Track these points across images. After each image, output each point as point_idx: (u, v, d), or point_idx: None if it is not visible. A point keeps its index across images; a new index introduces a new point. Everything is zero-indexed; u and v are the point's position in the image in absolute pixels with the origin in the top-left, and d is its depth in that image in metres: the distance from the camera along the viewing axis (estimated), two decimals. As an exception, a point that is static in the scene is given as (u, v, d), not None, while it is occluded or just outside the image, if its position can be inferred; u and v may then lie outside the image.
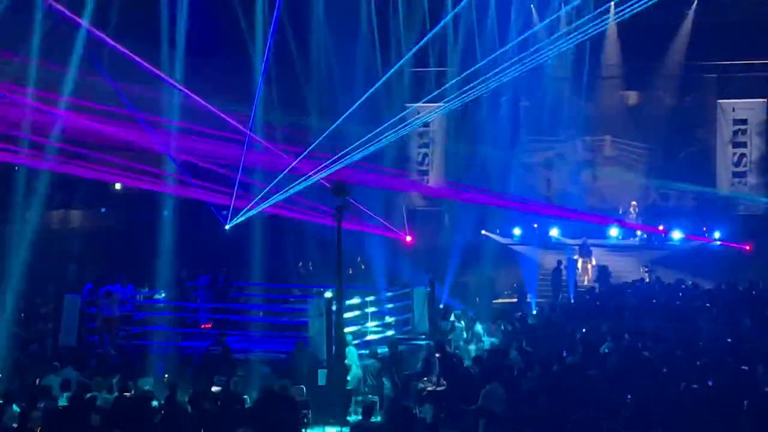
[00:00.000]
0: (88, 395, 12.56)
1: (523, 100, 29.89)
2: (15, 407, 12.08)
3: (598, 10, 23.20)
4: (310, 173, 21.39)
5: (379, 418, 13.19)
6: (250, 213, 21.82)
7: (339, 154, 21.47)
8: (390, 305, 19.36)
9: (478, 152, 29.09)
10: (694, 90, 29.28)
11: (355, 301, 18.56)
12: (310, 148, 22.40)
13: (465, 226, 27.33)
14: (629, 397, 12.24)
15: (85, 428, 11.67)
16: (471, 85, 22.96)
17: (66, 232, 25.95)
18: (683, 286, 22.80)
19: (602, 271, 26.02)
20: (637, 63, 29.35)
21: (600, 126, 30.33)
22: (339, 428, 14.19)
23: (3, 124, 18.99)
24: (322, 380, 15.10)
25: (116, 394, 12.97)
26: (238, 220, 22.12)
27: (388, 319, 19.23)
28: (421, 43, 25.23)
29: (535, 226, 29.12)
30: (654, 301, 20.99)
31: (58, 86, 19.91)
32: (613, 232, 28.82)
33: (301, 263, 26.66)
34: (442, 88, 25.72)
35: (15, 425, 11.67)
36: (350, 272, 23.79)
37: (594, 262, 26.86)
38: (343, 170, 21.29)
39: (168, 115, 22.39)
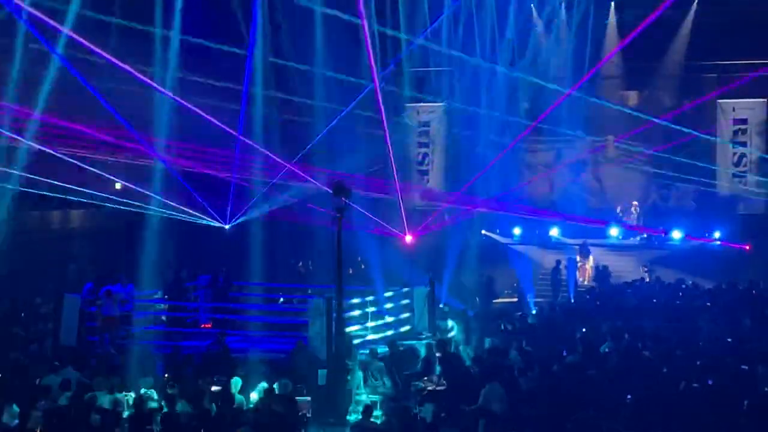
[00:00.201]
0: (88, 395, 12.57)
1: (523, 101, 29.89)
2: (15, 407, 12.07)
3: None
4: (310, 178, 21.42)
5: (379, 418, 13.21)
6: (250, 215, 21.84)
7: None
8: (390, 305, 19.37)
9: (478, 152, 29.09)
10: (694, 90, 29.28)
11: (356, 300, 18.57)
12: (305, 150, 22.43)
13: (465, 226, 27.34)
14: (629, 397, 12.24)
15: (85, 428, 11.67)
16: (471, 85, 22.99)
17: (66, 232, 25.98)
18: (683, 286, 22.79)
19: (601, 271, 26.02)
20: (637, 63, 29.36)
21: (600, 126, 30.33)
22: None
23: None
24: (322, 380, 15.11)
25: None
26: (238, 221, 22.14)
27: (388, 319, 19.24)
28: (422, 44, 25.26)
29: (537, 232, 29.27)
30: (654, 301, 20.98)
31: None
32: (613, 231, 28.83)
33: (301, 263, 26.66)
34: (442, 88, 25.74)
35: (15, 425, 11.67)
36: (350, 272, 23.78)
37: (592, 263, 26.87)
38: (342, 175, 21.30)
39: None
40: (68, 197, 23.94)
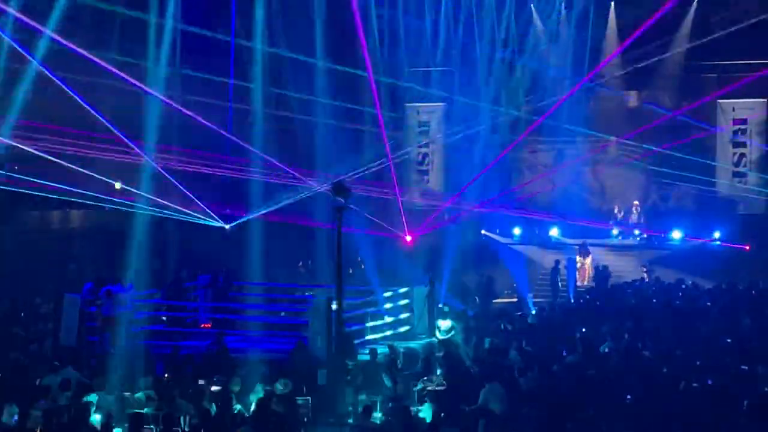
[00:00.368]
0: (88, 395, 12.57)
1: (523, 101, 29.89)
2: (15, 407, 12.06)
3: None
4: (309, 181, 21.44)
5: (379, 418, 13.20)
6: (250, 215, 21.84)
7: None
8: (389, 305, 19.36)
9: (478, 152, 29.09)
10: (694, 90, 29.28)
11: (355, 300, 18.56)
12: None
13: (465, 226, 27.33)
14: (629, 397, 12.24)
15: (85, 428, 11.67)
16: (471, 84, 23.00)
17: (66, 232, 25.96)
18: (683, 286, 22.78)
19: (601, 271, 26.01)
20: (637, 63, 29.36)
21: (600, 126, 30.32)
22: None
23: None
24: (322, 380, 15.09)
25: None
26: (239, 222, 22.14)
27: (388, 319, 19.23)
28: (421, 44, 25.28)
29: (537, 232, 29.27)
30: (654, 301, 20.97)
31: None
32: (613, 231, 28.83)
33: (301, 263, 26.64)
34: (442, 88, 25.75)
35: (15, 425, 11.66)
36: (350, 272, 23.77)
37: (590, 263, 26.87)
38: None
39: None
40: (65, 198, 23.98)
